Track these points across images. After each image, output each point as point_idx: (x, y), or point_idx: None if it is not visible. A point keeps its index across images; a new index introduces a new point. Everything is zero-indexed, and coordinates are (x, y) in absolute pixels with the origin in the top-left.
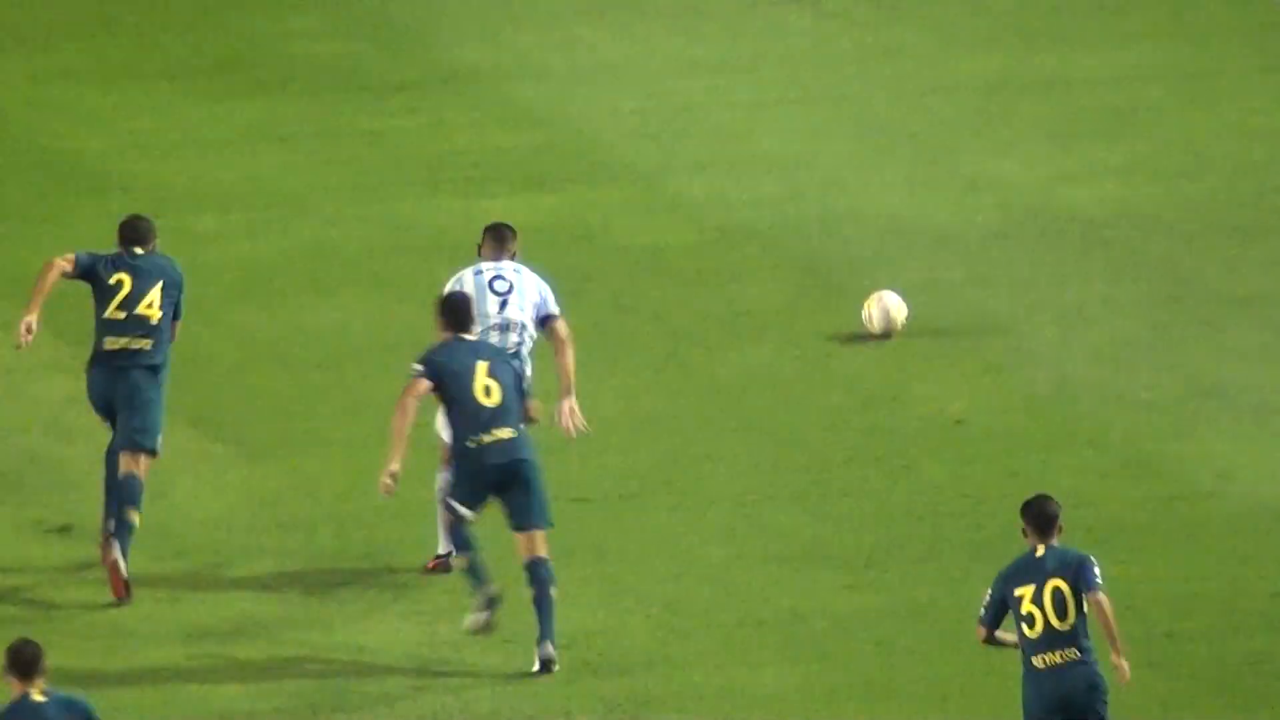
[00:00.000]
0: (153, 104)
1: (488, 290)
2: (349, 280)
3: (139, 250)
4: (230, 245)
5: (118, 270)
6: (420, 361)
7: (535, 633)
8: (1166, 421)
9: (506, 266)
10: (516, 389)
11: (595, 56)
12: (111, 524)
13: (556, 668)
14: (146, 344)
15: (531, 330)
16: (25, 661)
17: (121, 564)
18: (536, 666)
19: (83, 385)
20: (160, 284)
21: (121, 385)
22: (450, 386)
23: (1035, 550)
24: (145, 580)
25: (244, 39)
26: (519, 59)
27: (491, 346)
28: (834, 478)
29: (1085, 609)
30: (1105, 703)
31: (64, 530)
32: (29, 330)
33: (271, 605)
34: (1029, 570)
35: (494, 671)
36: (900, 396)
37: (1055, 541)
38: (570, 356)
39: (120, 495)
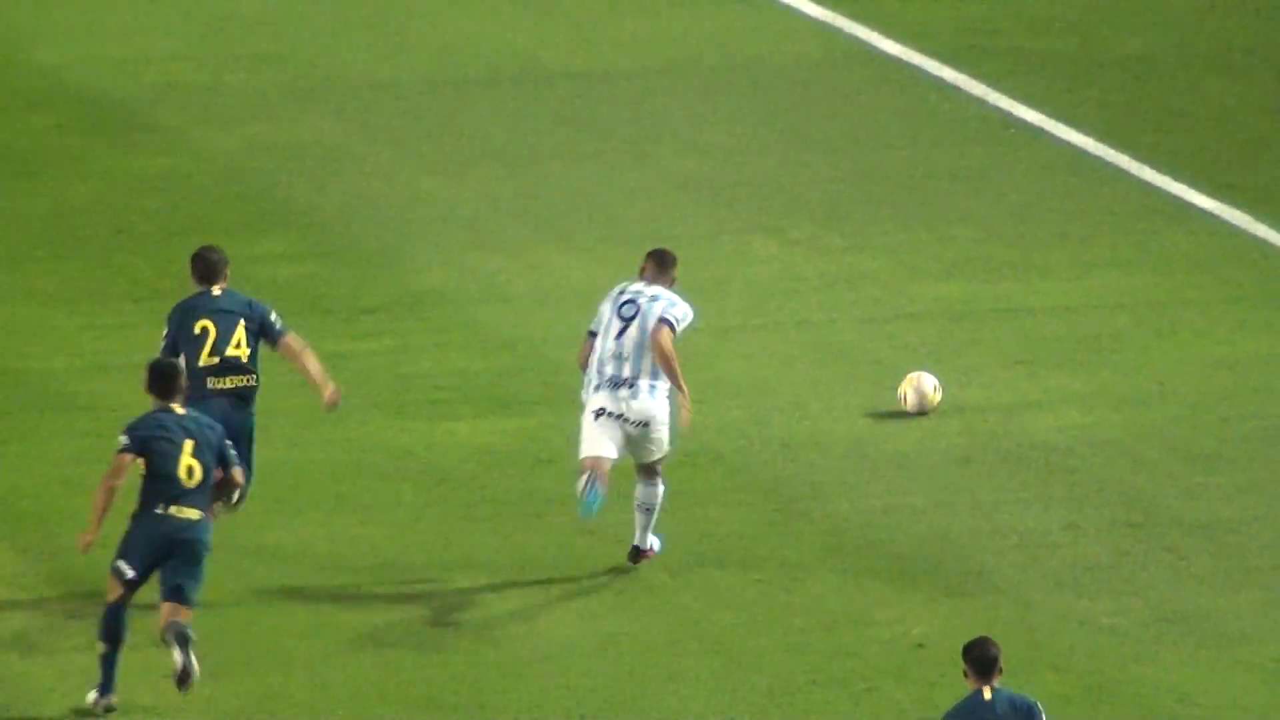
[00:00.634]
0: (119, 324)
1: (615, 315)
2: (312, 502)
3: (216, 290)
4: None
5: (200, 317)
6: (125, 433)
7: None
8: (1128, 647)
9: (645, 292)
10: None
11: (561, 281)
12: None
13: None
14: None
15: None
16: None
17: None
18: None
19: None
20: (241, 321)
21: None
22: (154, 460)
23: (982, 693)
24: None
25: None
26: (484, 283)
27: (197, 422)
28: (797, 700)
29: None
30: None
31: None
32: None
33: None
34: (977, 713)
35: None
36: (862, 620)
37: (998, 683)
38: (660, 356)
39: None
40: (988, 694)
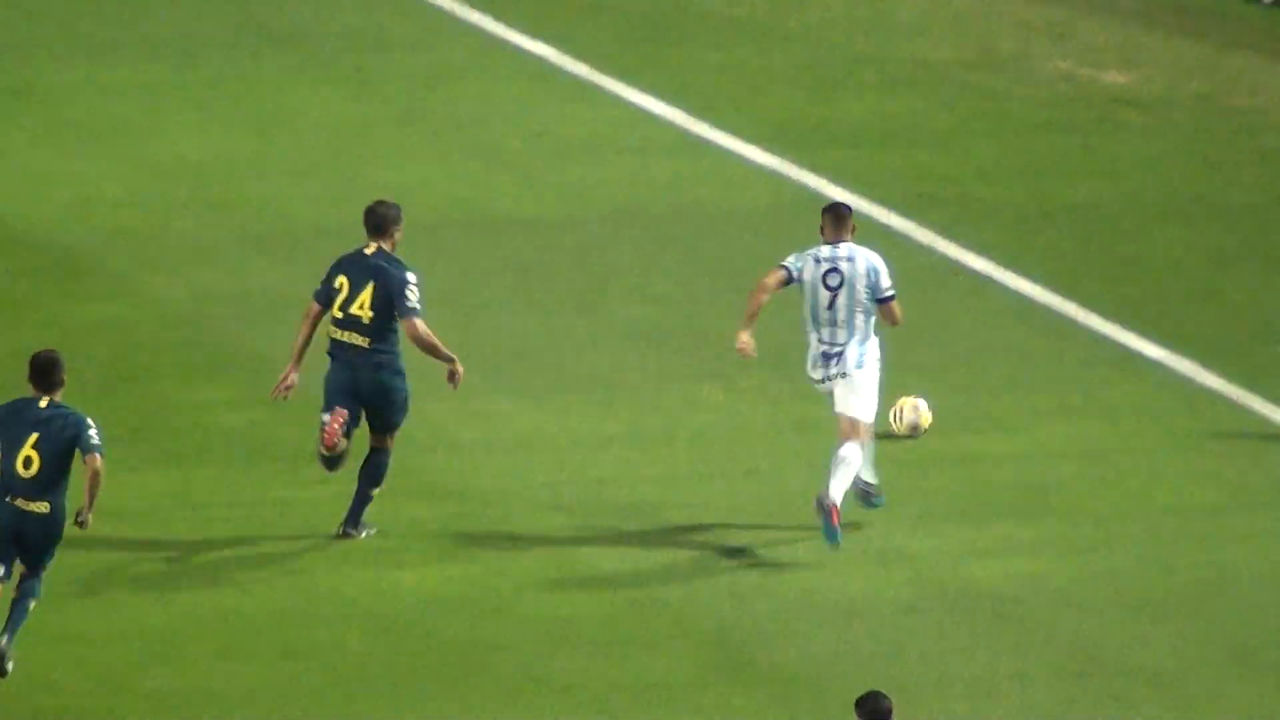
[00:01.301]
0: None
1: (821, 285)
2: (257, 649)
3: (369, 250)
4: (140, 613)
5: (340, 272)
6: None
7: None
8: None
9: (841, 254)
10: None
11: (508, 429)
12: None
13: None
14: (364, 342)
15: (861, 318)
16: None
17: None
18: None
19: None
20: (372, 285)
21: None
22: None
23: None
24: None
25: (159, 408)
26: (432, 431)
27: (44, 414)
28: None
29: None
30: None
31: None
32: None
33: None
34: None
35: None
36: None
37: None
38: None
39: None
40: None
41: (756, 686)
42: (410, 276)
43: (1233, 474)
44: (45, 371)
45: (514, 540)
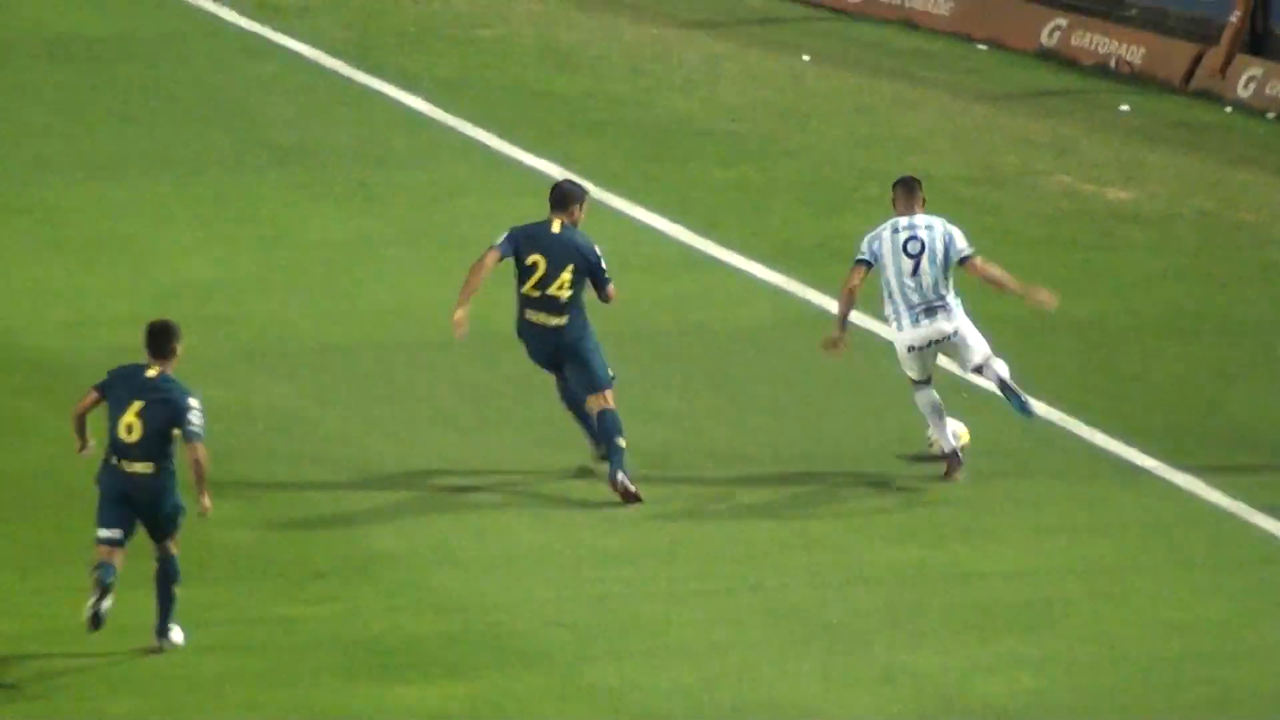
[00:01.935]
0: (70, 588)
1: (901, 253)
2: None
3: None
4: None
5: (534, 250)
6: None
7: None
8: None
9: (919, 223)
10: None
11: (511, 545)
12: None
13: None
14: (561, 321)
15: (944, 281)
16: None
17: (624, 479)
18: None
19: None
20: (572, 265)
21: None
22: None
23: None
24: None
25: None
26: (435, 546)
27: (150, 384)
28: None
29: None
30: None
31: None
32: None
33: None
34: None
35: None
36: None
37: None
38: (998, 271)
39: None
40: None
41: None
42: (598, 248)
43: (1238, 590)
44: (158, 338)
45: (518, 656)
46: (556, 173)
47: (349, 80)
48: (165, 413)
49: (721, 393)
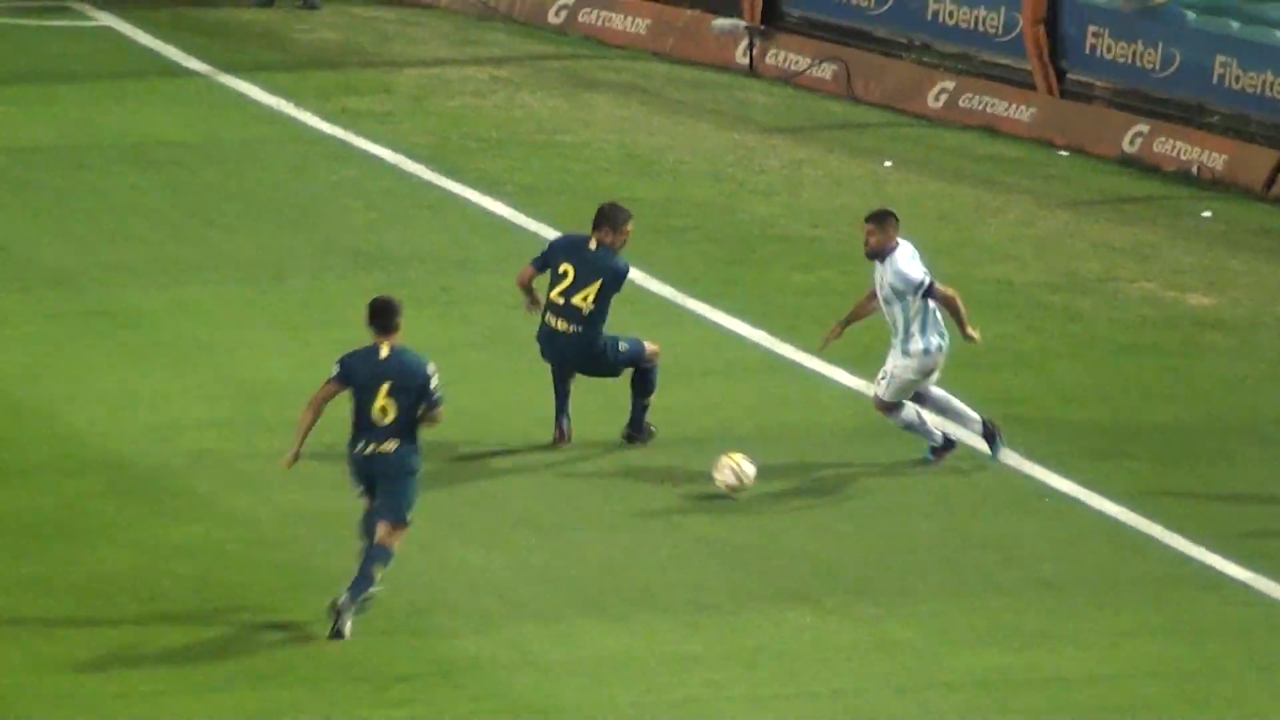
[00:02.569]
0: (152, 691)
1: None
2: None
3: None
4: None
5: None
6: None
7: None
8: None
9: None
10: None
11: (593, 649)
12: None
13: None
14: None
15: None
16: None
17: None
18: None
19: None
20: (599, 282)
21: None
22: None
23: None
24: None
25: (242, 628)
26: (517, 650)
27: (390, 363)
28: None
29: None
30: None
31: None
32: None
33: None
34: None
35: None
36: None
37: None
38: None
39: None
40: None
41: None
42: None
43: None
44: (384, 314)
45: None
46: (639, 278)
47: (430, 185)
48: (414, 386)
49: (802, 496)
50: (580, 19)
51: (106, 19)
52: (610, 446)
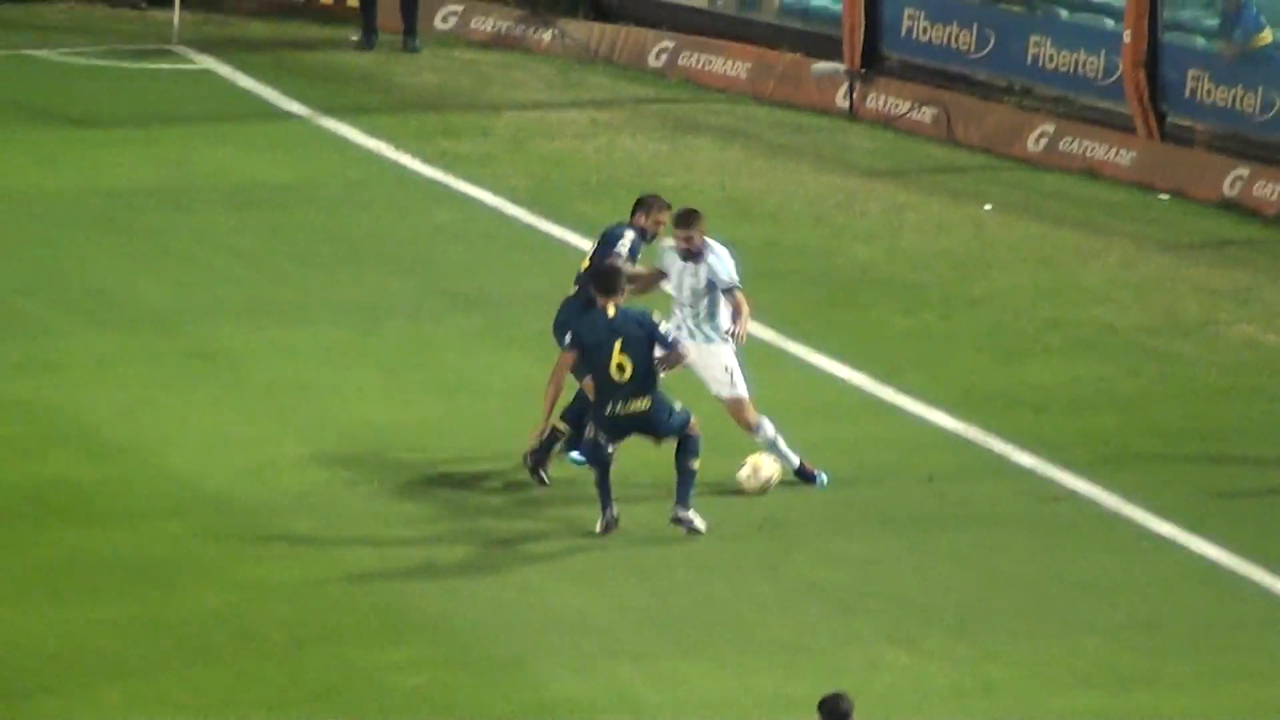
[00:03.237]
0: None
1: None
2: None
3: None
4: None
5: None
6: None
7: None
8: None
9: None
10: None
11: (693, 691)
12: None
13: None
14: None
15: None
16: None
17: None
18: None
19: None
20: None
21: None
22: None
23: None
24: None
25: (341, 670)
26: (615, 692)
27: (619, 321)
28: None
29: None
30: None
31: None
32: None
33: None
34: None
35: None
36: None
37: None
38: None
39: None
40: None
41: None
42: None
43: None
44: (609, 278)
45: None
46: None
47: (530, 227)
48: (643, 335)
49: (902, 538)
50: (680, 62)
51: (207, 62)
52: (709, 489)
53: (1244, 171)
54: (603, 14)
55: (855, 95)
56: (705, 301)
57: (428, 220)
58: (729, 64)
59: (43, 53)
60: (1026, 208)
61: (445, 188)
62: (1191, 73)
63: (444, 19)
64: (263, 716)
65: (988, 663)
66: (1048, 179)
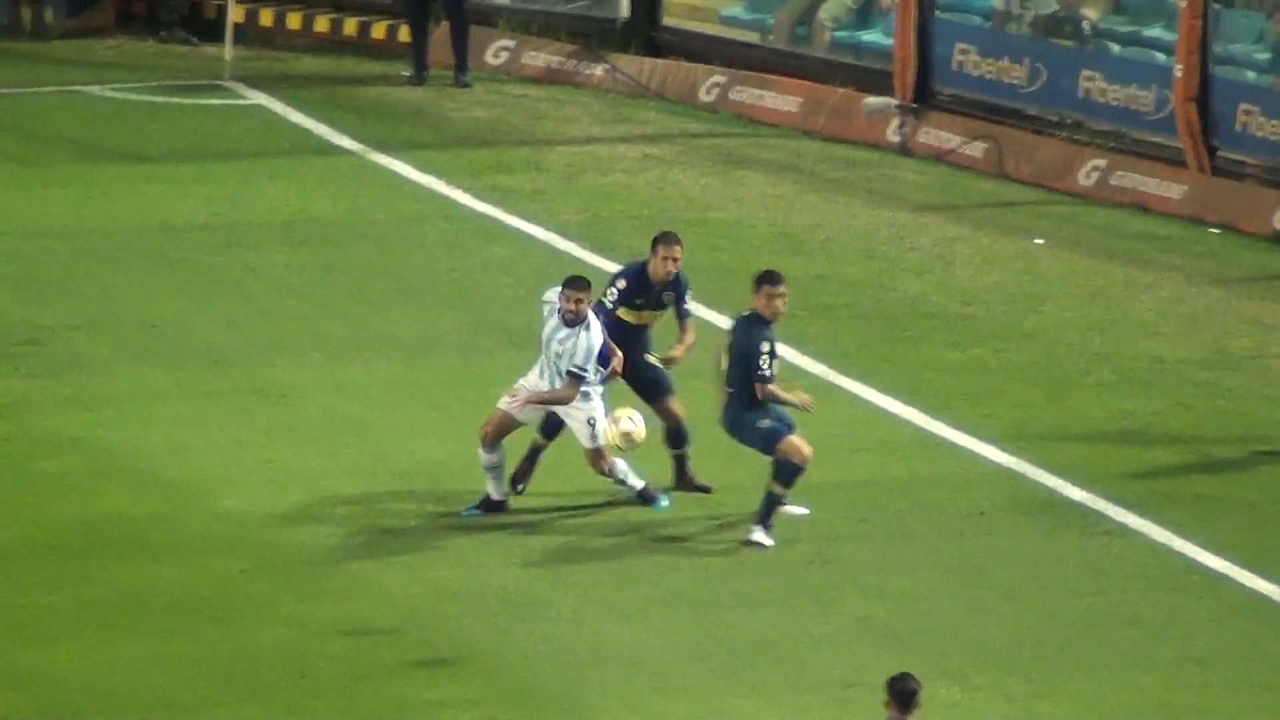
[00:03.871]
0: None
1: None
2: None
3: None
4: None
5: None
6: None
7: None
8: None
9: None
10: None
11: None
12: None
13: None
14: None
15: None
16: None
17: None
18: None
19: None
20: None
21: None
22: None
23: None
24: None
25: (393, 707)
26: None
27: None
28: None
29: None
30: None
31: None
32: None
33: None
34: None
35: None
36: None
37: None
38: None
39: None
40: None
41: None
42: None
43: None
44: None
45: None
46: (789, 354)
47: (582, 262)
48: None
49: (954, 574)
50: (732, 97)
51: (259, 98)
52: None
53: None
54: (654, 49)
55: (906, 130)
56: (565, 361)
57: (479, 255)
58: (780, 99)
59: (94, 89)
60: (1077, 242)
61: (497, 223)
62: (1243, 107)
63: (495, 54)
64: None
65: (1040, 699)
66: (1099, 213)
